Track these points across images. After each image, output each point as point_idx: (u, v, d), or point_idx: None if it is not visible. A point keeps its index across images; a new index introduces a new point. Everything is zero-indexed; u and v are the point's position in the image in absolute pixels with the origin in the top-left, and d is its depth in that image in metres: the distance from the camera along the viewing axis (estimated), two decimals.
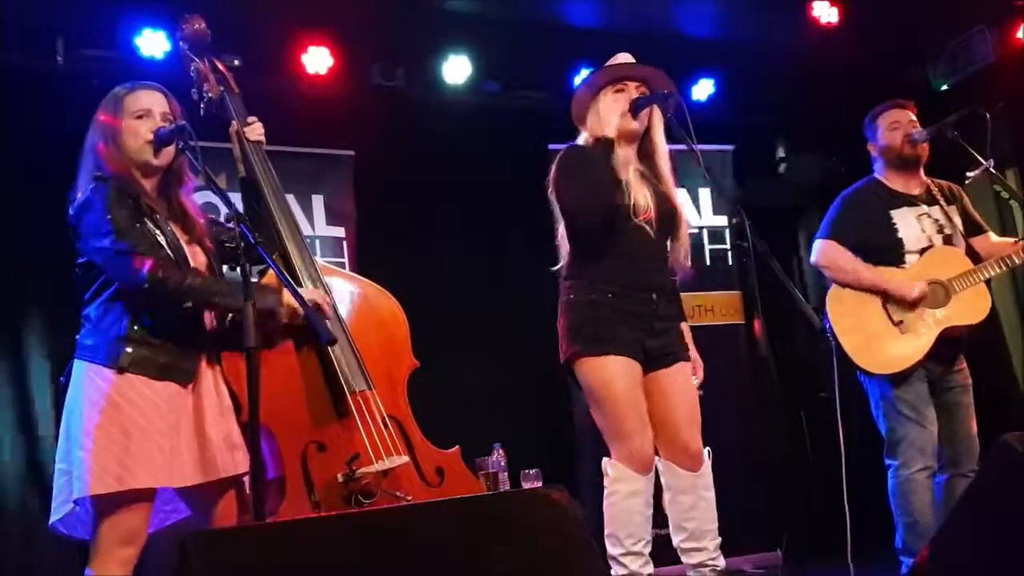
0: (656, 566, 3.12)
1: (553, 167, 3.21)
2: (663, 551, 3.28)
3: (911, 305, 3.64)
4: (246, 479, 2.75)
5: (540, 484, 4.29)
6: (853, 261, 3.73)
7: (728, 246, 5.39)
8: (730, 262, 5.37)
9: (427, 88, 5.21)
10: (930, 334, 3.62)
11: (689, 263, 3.27)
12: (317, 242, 4.79)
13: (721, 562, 3.13)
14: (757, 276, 2.85)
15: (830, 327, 3.70)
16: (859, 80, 5.16)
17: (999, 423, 3.54)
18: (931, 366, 3.66)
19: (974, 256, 3.76)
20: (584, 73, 4.54)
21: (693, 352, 3.29)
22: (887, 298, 3.68)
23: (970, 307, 3.67)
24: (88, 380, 2.57)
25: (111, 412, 2.53)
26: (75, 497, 2.51)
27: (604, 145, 3.12)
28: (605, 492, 3.09)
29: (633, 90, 3.20)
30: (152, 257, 2.57)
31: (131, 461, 2.50)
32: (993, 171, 3.72)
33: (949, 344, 3.66)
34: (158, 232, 2.65)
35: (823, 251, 3.81)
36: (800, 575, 4.71)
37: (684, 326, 3.32)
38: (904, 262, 3.72)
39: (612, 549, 3.05)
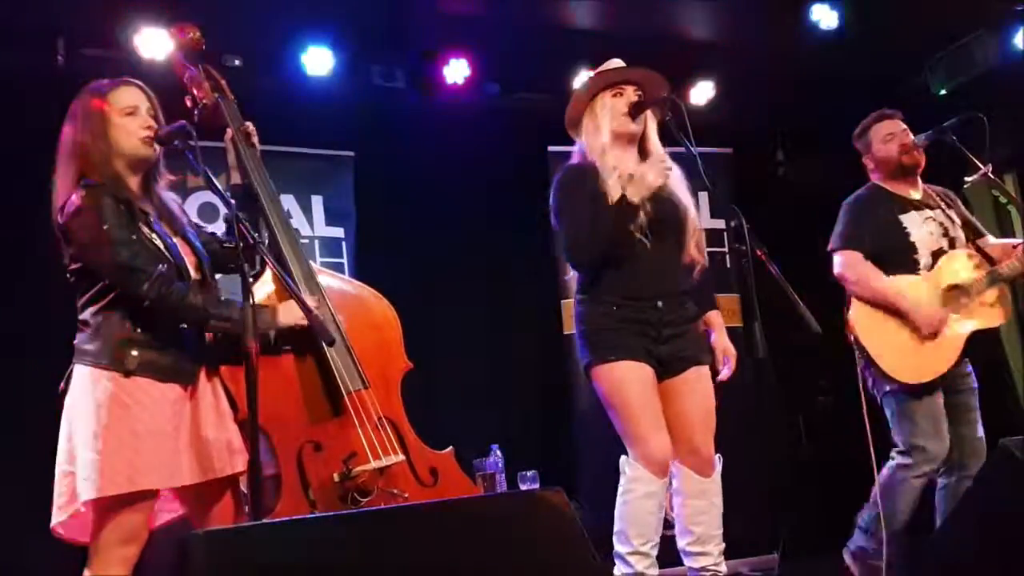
0: (660, 567, 3.12)
1: (552, 191, 3.22)
2: (667, 552, 3.28)
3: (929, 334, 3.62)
4: (242, 479, 2.75)
5: (537, 486, 4.30)
6: (876, 276, 3.69)
7: (726, 249, 5.41)
8: (728, 265, 5.38)
9: (427, 89, 5.21)
10: (958, 342, 3.62)
11: (702, 255, 3.27)
12: (316, 242, 4.79)
13: (723, 568, 3.13)
14: (755, 279, 2.84)
15: (856, 339, 3.70)
16: (858, 84, 5.17)
17: (996, 428, 3.56)
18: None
19: (985, 258, 3.76)
20: (583, 75, 4.54)
21: (724, 342, 3.29)
22: None
23: (992, 311, 3.68)
24: (93, 383, 2.54)
25: (120, 413, 2.51)
26: (84, 499, 2.48)
27: (621, 208, 3.04)
28: (620, 490, 3.09)
29: (631, 93, 3.21)
30: (152, 269, 2.55)
31: (141, 462, 2.50)
32: (992, 176, 3.72)
33: (967, 342, 3.65)
34: (154, 236, 2.64)
35: (845, 262, 3.76)
36: None
37: (714, 315, 3.32)
38: (919, 266, 3.70)
39: (620, 547, 3.05)
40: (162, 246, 2.64)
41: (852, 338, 3.72)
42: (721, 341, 3.29)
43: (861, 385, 3.72)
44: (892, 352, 3.64)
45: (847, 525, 3.85)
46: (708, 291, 3.36)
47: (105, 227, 2.53)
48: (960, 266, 3.70)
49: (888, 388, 3.68)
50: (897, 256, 3.71)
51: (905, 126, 3.85)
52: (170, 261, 2.63)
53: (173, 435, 2.59)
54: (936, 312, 3.64)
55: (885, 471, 3.68)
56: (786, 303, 2.85)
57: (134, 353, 2.56)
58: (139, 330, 2.59)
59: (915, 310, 3.63)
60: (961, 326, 3.64)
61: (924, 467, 3.60)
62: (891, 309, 3.66)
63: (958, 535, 2.50)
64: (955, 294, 3.66)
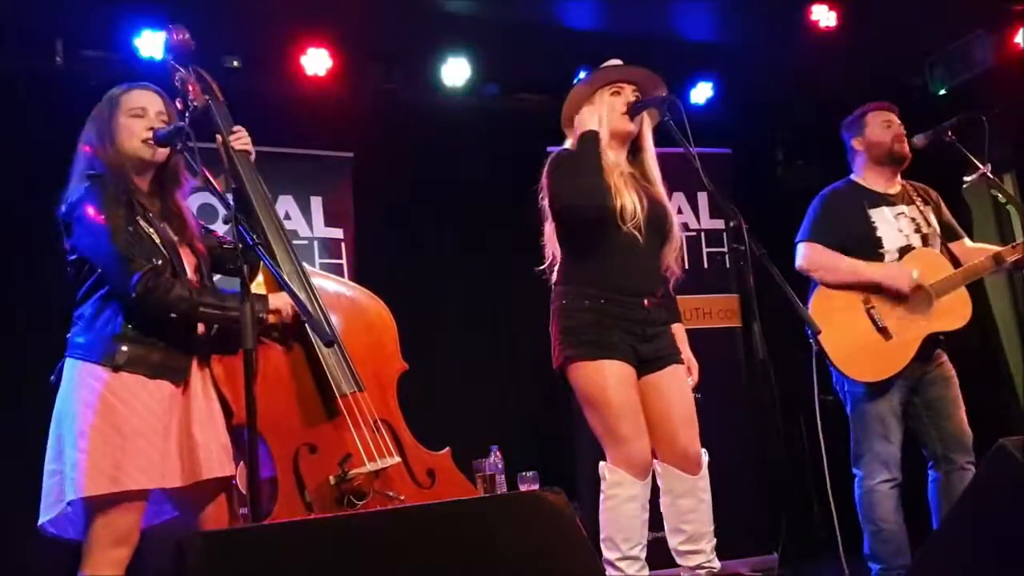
0: (651, 569, 3.12)
1: (544, 172, 3.22)
2: (658, 554, 3.28)
3: (901, 300, 3.60)
4: (236, 482, 2.76)
5: (537, 486, 4.29)
6: (837, 259, 3.69)
7: (726, 249, 5.40)
8: (727, 265, 5.38)
9: (426, 90, 5.22)
10: (914, 342, 3.59)
11: (680, 266, 3.27)
12: (315, 243, 4.79)
13: (716, 564, 3.12)
14: (754, 280, 2.84)
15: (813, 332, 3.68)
16: (858, 84, 5.17)
17: (996, 428, 3.55)
18: (909, 368, 3.61)
19: (952, 260, 3.74)
20: (583, 75, 4.55)
21: (688, 353, 3.28)
22: (871, 303, 3.64)
23: (952, 313, 3.64)
24: (81, 379, 2.56)
25: (106, 412, 2.52)
26: (69, 499, 2.49)
27: (589, 137, 3.12)
28: (602, 496, 3.08)
29: (629, 92, 3.21)
30: (144, 263, 2.56)
31: (126, 461, 2.50)
32: (991, 176, 3.72)
33: (925, 342, 3.62)
34: (152, 231, 2.65)
35: (805, 254, 3.77)
36: None
37: (678, 327, 3.31)
38: (883, 260, 3.68)
39: (608, 553, 3.04)
40: (158, 241, 2.66)
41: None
42: (684, 353, 3.28)
43: (816, 379, 3.71)
44: (847, 349, 3.62)
45: (847, 525, 3.84)
46: (674, 302, 3.36)
47: (103, 216, 2.56)
48: (925, 265, 3.66)
49: (847, 385, 3.69)
50: (861, 249, 3.69)
51: (900, 122, 3.85)
52: (165, 257, 2.64)
53: (162, 434, 2.59)
54: (903, 266, 3.63)
55: (855, 489, 3.68)
56: (785, 303, 2.85)
57: (124, 348, 2.57)
58: (130, 326, 2.59)
59: (879, 270, 3.62)
60: (918, 327, 3.61)
61: (880, 474, 3.60)
62: (851, 300, 3.64)
63: (956, 536, 2.49)
64: (916, 292, 3.63)
